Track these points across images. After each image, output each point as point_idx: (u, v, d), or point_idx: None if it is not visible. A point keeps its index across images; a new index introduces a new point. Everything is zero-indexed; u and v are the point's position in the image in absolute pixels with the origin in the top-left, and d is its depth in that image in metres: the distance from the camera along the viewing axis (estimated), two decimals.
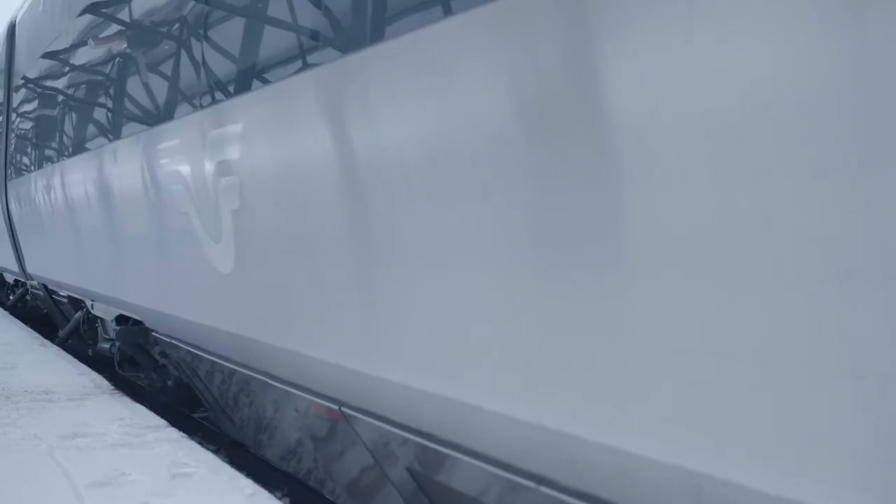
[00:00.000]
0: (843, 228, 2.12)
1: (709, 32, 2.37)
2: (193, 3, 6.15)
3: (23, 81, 13.47)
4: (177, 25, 6.55)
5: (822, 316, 2.21)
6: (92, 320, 11.55)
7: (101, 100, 8.81)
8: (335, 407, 5.10)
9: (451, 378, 3.75)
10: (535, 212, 3.06)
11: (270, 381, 5.93)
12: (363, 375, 4.56)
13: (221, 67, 5.76)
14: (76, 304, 12.07)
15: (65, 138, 10.46)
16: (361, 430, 4.96)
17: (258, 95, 5.10)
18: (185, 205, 6.39)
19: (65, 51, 10.44)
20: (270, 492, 5.83)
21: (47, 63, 11.65)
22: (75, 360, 11.31)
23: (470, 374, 3.66)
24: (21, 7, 13.81)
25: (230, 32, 5.66)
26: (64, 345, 12.39)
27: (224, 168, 5.56)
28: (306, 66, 4.59)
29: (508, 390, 3.42)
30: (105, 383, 9.61)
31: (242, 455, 7.69)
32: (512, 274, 3.27)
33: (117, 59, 8.19)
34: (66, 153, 10.35)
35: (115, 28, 8.26)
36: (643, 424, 2.75)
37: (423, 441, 4.30)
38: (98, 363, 11.34)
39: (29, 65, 12.85)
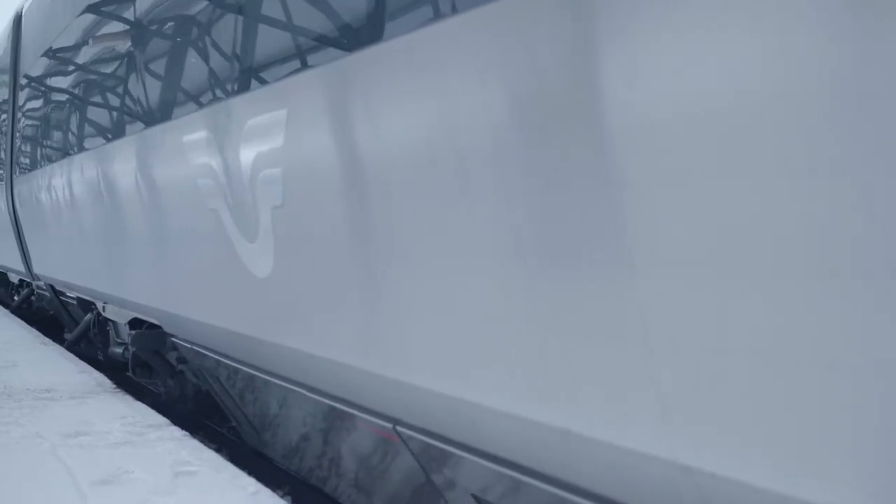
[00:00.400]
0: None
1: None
2: None
3: (30, 74, 12.90)
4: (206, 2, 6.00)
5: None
6: (103, 323, 11.06)
7: (118, 91, 8.24)
8: (388, 426, 4.59)
9: (532, 398, 3.28)
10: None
11: (310, 395, 5.39)
12: (425, 392, 4.05)
13: (260, 48, 5.20)
14: (85, 305, 11.55)
15: (76, 133, 9.87)
16: (419, 451, 4.45)
17: (306, 78, 4.54)
18: (214, 201, 5.83)
19: (77, 40, 9.85)
20: (272, 490, 5.75)
21: (57, 54, 11.07)
22: (76, 359, 11.17)
23: (556, 392, 3.16)
24: None
25: (268, 5, 5.11)
26: (73, 348, 11.86)
27: (264, 159, 5.00)
28: (365, 42, 4.03)
29: (601, 411, 2.98)
30: (107, 382, 9.52)
31: (244, 454, 7.60)
32: (582, 283, 2.97)
33: (136, 46, 7.62)
34: (77, 148, 9.77)
35: (133, 12, 7.69)
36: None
37: (493, 465, 3.80)
38: (109, 368, 10.85)
39: (36, 57, 12.27)
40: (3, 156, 15.21)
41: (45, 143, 11.79)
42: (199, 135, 5.97)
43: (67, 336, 14.41)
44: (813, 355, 2.25)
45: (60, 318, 14.28)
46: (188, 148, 6.18)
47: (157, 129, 6.92)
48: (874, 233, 2.05)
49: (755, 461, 2.45)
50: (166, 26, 6.88)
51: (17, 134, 13.97)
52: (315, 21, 4.58)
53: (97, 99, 8.99)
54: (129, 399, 8.65)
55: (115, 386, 9.30)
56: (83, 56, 9.52)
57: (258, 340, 5.73)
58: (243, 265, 5.58)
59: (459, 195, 3.46)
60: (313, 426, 5.68)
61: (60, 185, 10.68)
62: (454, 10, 3.42)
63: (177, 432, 7.13)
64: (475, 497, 4.13)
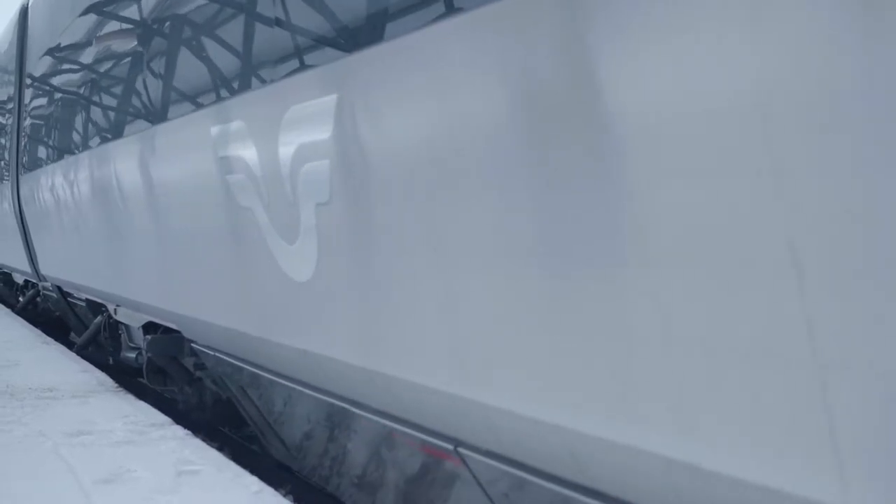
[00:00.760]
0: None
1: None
2: None
3: (37, 68, 12.37)
4: None
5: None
6: (113, 326, 10.57)
7: (134, 82, 7.72)
8: (449, 447, 4.10)
9: (615, 416, 2.92)
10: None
11: (355, 410, 4.89)
12: (492, 409, 3.57)
13: (304, 25, 4.69)
14: (95, 307, 11.06)
15: (88, 128, 9.34)
16: (483, 475, 3.96)
17: (360, 60, 4.03)
18: (247, 198, 5.32)
19: (89, 30, 9.33)
20: (275, 489, 5.68)
21: (67, 46, 10.55)
22: (78, 358, 11.08)
23: (636, 409, 2.81)
24: None
25: None
26: (83, 352, 11.37)
27: (308, 151, 4.49)
28: (439, 14, 3.53)
29: (686, 429, 2.65)
30: (109, 381, 9.42)
31: (246, 453, 7.52)
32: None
33: (154, 34, 7.11)
34: (89, 145, 9.25)
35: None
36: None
37: (567, 491, 3.37)
38: (120, 371, 10.39)
39: (44, 49, 11.75)
40: (8, 154, 14.68)
41: (53, 140, 11.26)
42: (229, 127, 5.47)
43: (75, 339, 14.01)
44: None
45: (67, 320, 13.81)
46: (216, 141, 5.67)
47: (180, 122, 6.41)
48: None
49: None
50: (189, 9, 6.37)
51: (23, 131, 13.44)
52: None
53: (110, 92, 8.46)
54: (131, 398, 8.56)
55: (116, 385, 9.19)
56: (95, 48, 8.98)
57: (295, 349, 5.23)
58: (279, 268, 5.09)
59: (562, 186, 2.98)
60: (358, 444, 5.17)
61: (70, 183, 10.16)
62: None
63: (179, 431, 7.08)
64: None
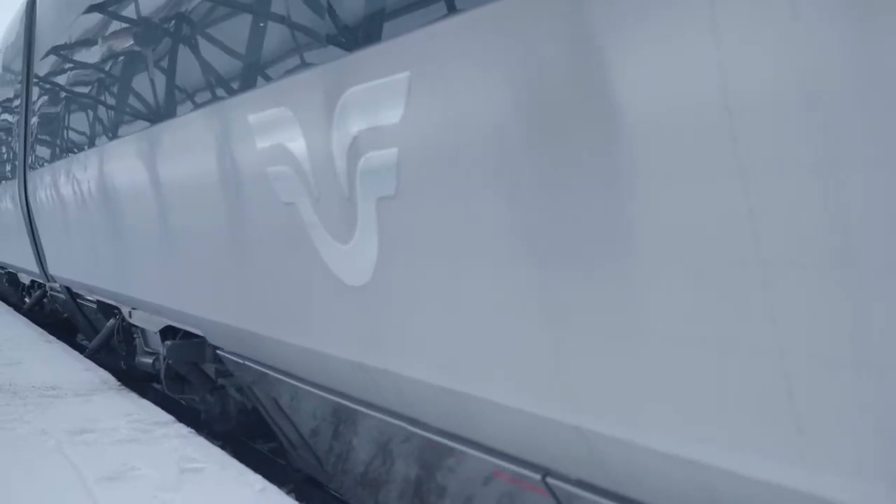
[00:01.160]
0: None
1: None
2: None
3: (47, 58, 11.78)
4: None
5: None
6: (127, 330, 10.02)
7: (156, 69, 7.17)
8: (536, 476, 3.56)
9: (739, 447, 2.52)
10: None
11: (418, 431, 4.35)
12: (606, 438, 3.05)
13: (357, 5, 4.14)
14: (107, 310, 10.50)
15: (104, 120, 8.75)
16: None
17: (435, 32, 3.48)
18: (290, 193, 4.77)
19: (105, 14, 8.77)
20: (278, 487, 5.61)
21: (79, 33, 9.97)
22: (81, 356, 10.98)
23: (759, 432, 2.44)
24: None
25: None
26: (94, 356, 10.82)
27: (370, 139, 3.94)
28: None
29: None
30: (111, 379, 9.34)
31: (248, 452, 7.47)
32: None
33: (181, 12, 6.55)
34: (104, 137, 8.66)
35: None
36: None
37: None
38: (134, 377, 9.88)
39: (55, 38, 11.16)
40: (15, 149, 14.08)
41: (64, 135, 10.67)
42: (272, 114, 4.91)
43: (83, 341, 13.51)
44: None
45: (76, 322, 13.26)
46: (256, 131, 5.12)
47: (210, 111, 5.85)
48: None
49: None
50: None
51: (31, 126, 12.85)
52: None
53: (128, 82, 7.88)
54: (134, 396, 8.49)
55: (119, 384, 9.11)
56: (114, 31, 8.41)
57: (343, 361, 4.68)
58: (329, 270, 4.53)
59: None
60: (422, 470, 4.61)
61: (83, 179, 9.58)
62: None
63: (182, 429, 7.02)
64: None
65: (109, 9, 8.49)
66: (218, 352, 6.96)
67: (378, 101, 3.82)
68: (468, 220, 3.44)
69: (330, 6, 4.33)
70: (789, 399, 2.32)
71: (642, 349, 2.77)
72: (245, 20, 5.37)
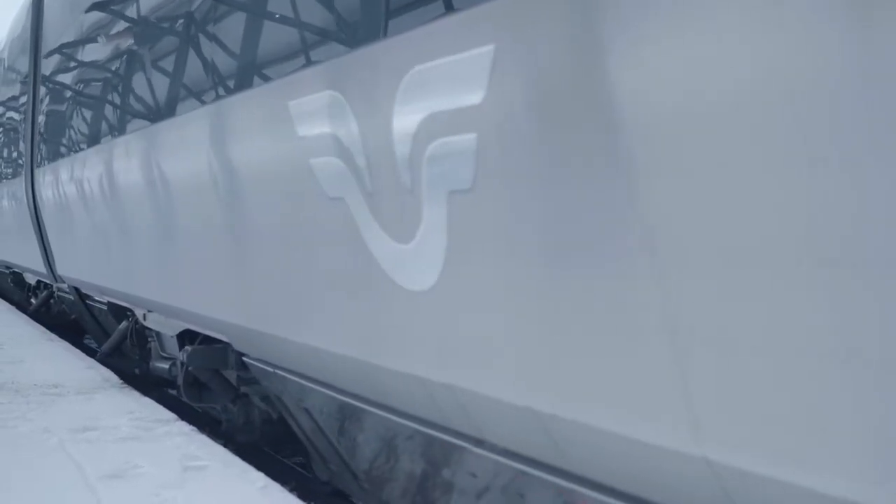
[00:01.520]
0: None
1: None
2: None
3: (56, 47, 11.24)
4: None
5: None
6: (140, 332, 9.53)
7: (179, 54, 6.66)
8: None
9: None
10: None
11: (483, 452, 3.85)
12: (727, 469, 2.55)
13: None
14: (118, 312, 10.01)
15: (121, 111, 8.22)
16: None
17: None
18: (338, 186, 4.26)
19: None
20: (280, 485, 5.54)
21: (90, 22, 9.47)
22: (83, 354, 10.96)
23: None
24: None
25: None
26: (106, 361, 10.32)
27: (440, 123, 3.44)
28: None
29: None
30: (113, 377, 9.32)
31: (250, 450, 7.39)
32: None
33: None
34: (123, 130, 8.14)
35: None
36: None
37: None
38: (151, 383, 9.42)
39: (65, 26, 10.63)
40: (22, 145, 13.54)
41: (76, 128, 10.14)
42: (315, 99, 4.41)
43: (92, 343, 13.06)
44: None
45: (84, 325, 12.76)
46: (297, 118, 4.61)
47: (244, 98, 5.35)
48: None
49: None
50: None
51: (39, 120, 12.32)
52: None
53: (148, 68, 7.37)
54: (136, 394, 8.46)
55: (121, 381, 9.09)
56: (131, 17, 7.91)
57: (395, 373, 4.19)
58: (383, 272, 4.04)
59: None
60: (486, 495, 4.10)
61: (96, 175, 9.07)
62: None
63: (185, 427, 7.00)
64: None
65: None
66: (244, 359, 6.47)
67: (453, 80, 3.32)
68: (571, 218, 2.94)
69: None
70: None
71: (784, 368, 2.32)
72: None
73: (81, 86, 9.89)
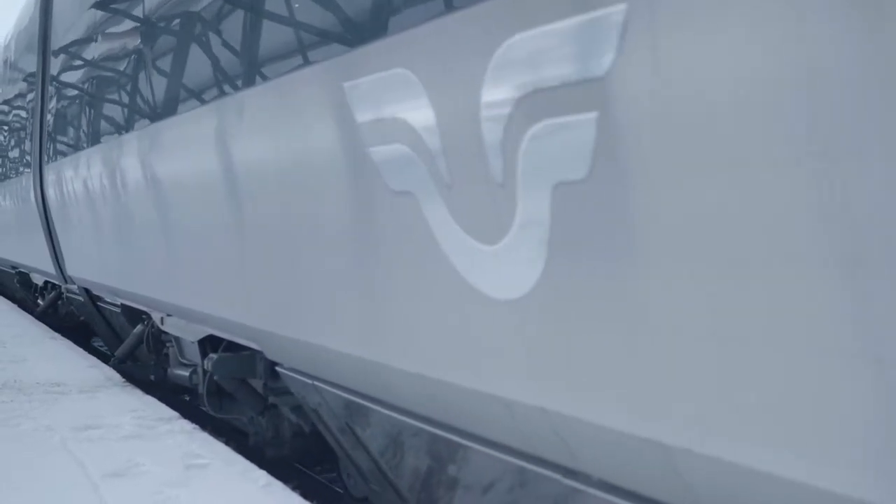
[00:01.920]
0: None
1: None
2: None
3: (66, 38, 10.68)
4: None
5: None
6: (157, 337, 9.00)
7: (204, 40, 6.11)
8: None
9: None
10: None
11: (569, 483, 3.32)
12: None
13: None
14: (132, 315, 9.47)
15: (141, 103, 7.67)
16: None
17: None
18: (406, 179, 3.71)
19: None
20: (283, 483, 5.51)
21: (101, 11, 8.92)
22: (86, 353, 10.94)
23: None
24: None
25: None
26: (120, 367, 9.78)
27: (546, 102, 2.90)
28: None
29: None
30: (116, 376, 9.27)
31: (250, 449, 7.18)
32: None
33: None
34: (143, 121, 7.59)
35: None
36: None
37: None
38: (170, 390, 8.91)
39: (76, 16, 10.08)
40: (29, 140, 12.97)
41: (90, 121, 9.58)
42: (378, 79, 3.86)
43: (102, 347, 12.55)
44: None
45: (94, 327, 12.22)
46: (354, 101, 4.06)
47: (289, 81, 4.80)
48: None
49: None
50: None
51: (48, 113, 11.75)
52: None
53: (174, 51, 6.81)
54: (138, 393, 8.45)
55: (124, 380, 9.06)
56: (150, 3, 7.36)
57: (472, 391, 3.65)
58: (461, 277, 3.49)
59: None
60: None
61: (111, 171, 8.52)
62: None
63: (187, 425, 6.98)
64: None
65: None
66: (278, 369, 5.93)
67: (566, 49, 2.78)
68: (716, 215, 2.41)
69: None
70: None
71: None
72: None
73: (96, 74, 9.32)
